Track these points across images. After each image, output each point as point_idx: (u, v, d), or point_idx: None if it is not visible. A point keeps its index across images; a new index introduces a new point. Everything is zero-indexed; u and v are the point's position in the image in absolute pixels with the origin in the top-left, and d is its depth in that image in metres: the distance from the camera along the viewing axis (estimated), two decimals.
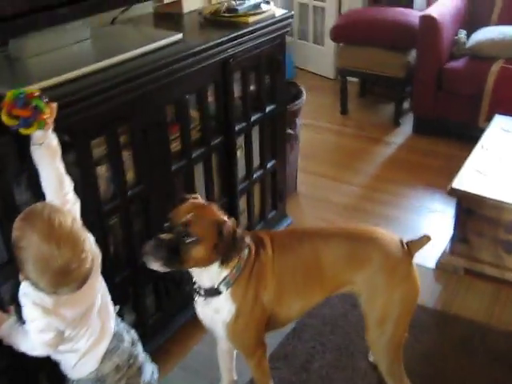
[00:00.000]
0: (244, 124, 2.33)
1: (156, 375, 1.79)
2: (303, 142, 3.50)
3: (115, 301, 1.62)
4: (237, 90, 2.27)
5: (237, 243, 1.52)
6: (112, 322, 1.57)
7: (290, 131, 2.97)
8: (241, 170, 2.44)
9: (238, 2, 2.27)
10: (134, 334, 1.67)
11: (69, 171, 1.53)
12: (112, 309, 1.59)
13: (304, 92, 3.07)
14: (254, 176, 2.51)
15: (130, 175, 1.88)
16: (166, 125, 1.93)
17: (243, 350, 1.77)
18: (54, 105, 1.42)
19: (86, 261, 1.35)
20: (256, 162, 2.52)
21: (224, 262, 1.54)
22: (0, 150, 1.42)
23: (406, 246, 1.75)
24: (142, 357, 1.68)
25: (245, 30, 2.15)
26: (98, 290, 1.51)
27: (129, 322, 2.04)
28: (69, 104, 1.57)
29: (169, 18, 2.32)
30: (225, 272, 1.61)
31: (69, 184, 1.49)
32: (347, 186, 3.29)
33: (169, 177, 1.99)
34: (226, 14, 2.22)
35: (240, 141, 2.38)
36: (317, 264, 1.73)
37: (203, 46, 1.96)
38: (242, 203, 2.51)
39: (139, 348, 1.66)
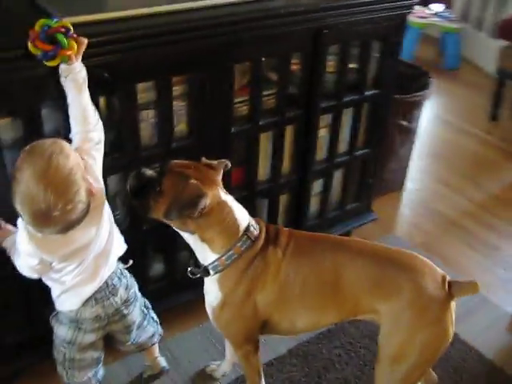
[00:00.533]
0: (333, 103, 2.14)
1: (156, 339, 1.80)
2: (434, 140, 3.21)
3: (141, 249, 1.58)
4: (332, 65, 2.09)
5: (183, 209, 1.40)
6: (107, 271, 1.55)
7: (404, 123, 2.71)
8: (324, 151, 2.27)
9: None
10: (133, 293, 1.65)
11: (111, 110, 1.53)
12: (113, 259, 1.57)
13: (431, 84, 2.76)
14: (338, 160, 2.32)
15: (181, 127, 1.84)
16: (231, 83, 1.82)
17: (228, 339, 1.69)
18: (84, 40, 1.39)
19: (73, 212, 1.32)
20: (345, 146, 2.34)
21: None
22: (25, 73, 1.44)
23: (448, 284, 1.50)
24: (136, 318, 1.67)
25: (350, 2, 1.95)
26: (97, 234, 1.48)
27: (158, 271, 2.05)
28: (128, 40, 1.55)
29: None
30: (212, 254, 1.52)
31: (94, 122, 1.47)
32: (459, 198, 2.94)
33: (226, 138, 1.91)
34: None
35: (327, 120, 2.21)
36: (336, 281, 1.53)
37: (291, 9, 1.81)
38: (318, 185, 2.35)
39: (133, 309, 1.65)
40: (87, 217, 1.40)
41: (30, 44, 1.34)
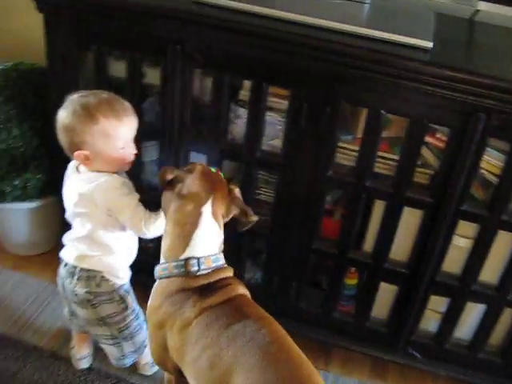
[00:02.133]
0: (483, 212, 1.64)
1: (105, 348, 1.73)
2: None
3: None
4: (496, 164, 1.60)
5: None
6: (74, 255, 1.57)
7: None
8: (459, 266, 1.77)
9: None
10: (85, 299, 1.58)
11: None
12: (92, 255, 1.56)
13: None
14: (476, 289, 1.77)
15: (277, 142, 1.74)
16: (335, 120, 1.61)
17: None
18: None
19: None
20: (494, 276, 1.77)
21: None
22: None
23: None
24: (85, 318, 1.65)
25: None
26: (77, 206, 1.53)
27: None
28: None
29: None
30: (162, 255, 1.41)
31: (137, 233, 1.54)
32: None
33: (318, 176, 1.70)
34: None
35: (474, 230, 1.70)
36: (226, 379, 1.21)
37: (434, 70, 1.46)
38: (441, 303, 1.85)
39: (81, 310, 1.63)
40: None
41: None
